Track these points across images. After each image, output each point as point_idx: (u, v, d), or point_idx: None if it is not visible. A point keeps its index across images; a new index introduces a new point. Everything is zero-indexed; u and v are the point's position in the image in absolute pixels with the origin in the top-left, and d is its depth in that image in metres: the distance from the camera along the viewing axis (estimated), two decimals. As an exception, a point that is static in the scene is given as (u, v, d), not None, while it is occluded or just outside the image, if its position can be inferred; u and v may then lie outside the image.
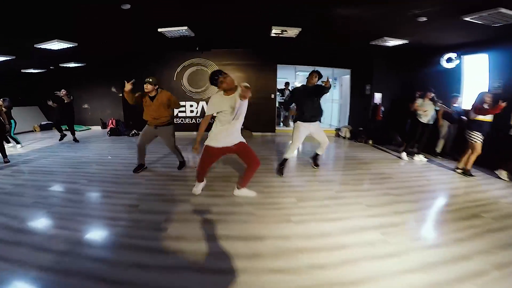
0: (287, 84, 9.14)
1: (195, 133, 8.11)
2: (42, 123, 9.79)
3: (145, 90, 3.82)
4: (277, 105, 8.53)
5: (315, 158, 4.58)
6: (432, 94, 5.17)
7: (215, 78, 2.62)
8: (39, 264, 1.91)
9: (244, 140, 2.90)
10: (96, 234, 2.45)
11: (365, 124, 7.53)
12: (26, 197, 3.27)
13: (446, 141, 5.67)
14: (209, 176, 3.87)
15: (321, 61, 7.99)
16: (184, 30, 5.15)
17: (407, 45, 5.97)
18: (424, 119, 5.20)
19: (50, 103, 6.74)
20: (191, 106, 8.24)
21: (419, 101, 5.22)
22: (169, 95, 4.02)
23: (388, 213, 2.87)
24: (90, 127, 9.91)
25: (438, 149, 5.69)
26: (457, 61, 5.91)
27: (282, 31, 5.36)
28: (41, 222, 2.63)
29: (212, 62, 7.97)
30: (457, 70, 5.99)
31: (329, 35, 5.80)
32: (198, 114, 8.24)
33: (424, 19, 4.20)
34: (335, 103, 9.47)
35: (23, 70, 9.10)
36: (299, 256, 2.06)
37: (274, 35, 5.58)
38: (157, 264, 1.94)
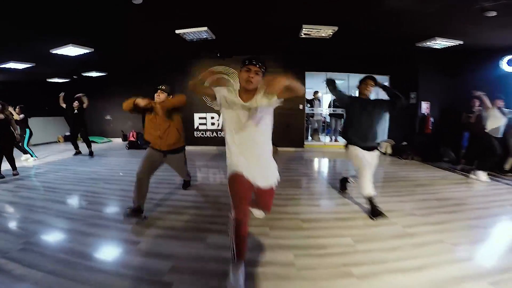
0: (316, 93, 8.32)
1: (215, 147, 7.59)
2: (66, 133, 9.76)
3: (156, 100, 2.91)
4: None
5: (343, 182, 3.51)
6: (502, 102, 4.29)
7: (260, 64, 1.72)
8: None
9: (276, 182, 1.86)
10: (70, 281, 1.76)
11: (410, 138, 6.53)
12: (9, 219, 2.83)
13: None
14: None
15: (355, 67, 7.19)
16: (204, 32, 4.70)
17: (459, 46, 5.18)
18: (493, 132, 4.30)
19: (61, 98, 6.48)
20: (212, 118, 7.71)
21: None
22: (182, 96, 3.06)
23: (486, 254, 2.05)
24: (111, 139, 9.73)
25: (508, 165, 4.70)
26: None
27: (315, 30, 4.71)
28: (10, 255, 2.03)
29: (234, 70, 7.44)
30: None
31: (370, 35, 5.07)
32: (220, 127, 7.67)
33: (494, 13, 3.49)
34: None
35: (48, 80, 9.19)
36: None
37: (304, 36, 4.95)
38: None
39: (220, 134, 7.65)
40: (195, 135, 7.67)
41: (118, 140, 9.57)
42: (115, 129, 9.67)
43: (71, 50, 5.33)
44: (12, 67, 6.51)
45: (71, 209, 3.13)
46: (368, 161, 2.82)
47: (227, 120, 1.78)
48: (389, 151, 6.77)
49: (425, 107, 6.54)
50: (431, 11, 3.65)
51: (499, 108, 4.29)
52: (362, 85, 2.88)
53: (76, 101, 6.49)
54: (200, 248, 2.17)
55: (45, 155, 6.90)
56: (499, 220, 2.76)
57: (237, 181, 1.70)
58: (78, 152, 6.82)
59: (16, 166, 4.78)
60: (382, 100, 2.86)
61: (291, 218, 2.80)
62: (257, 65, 1.69)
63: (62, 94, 6.49)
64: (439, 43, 5.08)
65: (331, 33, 4.78)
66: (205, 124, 7.69)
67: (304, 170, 5.23)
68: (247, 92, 1.74)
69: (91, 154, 6.66)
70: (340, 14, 4.01)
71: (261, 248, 2.17)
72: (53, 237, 2.43)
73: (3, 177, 4.55)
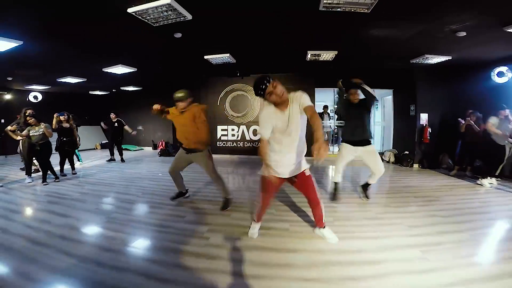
0: (325, 107, 9.19)
1: (235, 156, 8.52)
2: (103, 142, 11.06)
3: (178, 108, 3.38)
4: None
5: (365, 188, 3.97)
6: (507, 111, 4.71)
7: (261, 87, 2.07)
8: (99, 260, 2.23)
9: (307, 167, 2.44)
10: (148, 238, 2.73)
11: (411, 147, 7.21)
12: (89, 203, 3.79)
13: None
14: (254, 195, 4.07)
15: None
16: (226, 57, 5.67)
17: (451, 61, 5.78)
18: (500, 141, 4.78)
19: (102, 124, 7.85)
20: (233, 130, 8.64)
21: (493, 120, 4.77)
22: (200, 108, 3.40)
23: (431, 233, 2.77)
24: (142, 147, 10.91)
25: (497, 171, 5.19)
26: (510, 75, 5.53)
27: (318, 55, 5.59)
28: (101, 225, 3.01)
29: (251, 88, 8.37)
30: (510, 85, 5.61)
31: (367, 56, 5.87)
32: (239, 138, 8.61)
33: (464, 33, 4.09)
34: (377, 126, 9.23)
35: (91, 92, 10.51)
36: (330, 268, 2.11)
37: (310, 59, 5.83)
38: (197, 267, 2.14)
39: (239, 144, 8.60)
40: (218, 145, 8.63)
41: (149, 149, 10.74)
42: (146, 138, 10.84)
43: (119, 69, 6.35)
44: (67, 81, 7.59)
45: (131, 197, 4.11)
46: (358, 154, 3.68)
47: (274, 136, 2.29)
48: (392, 159, 7.47)
49: (423, 118, 7.19)
50: (413, 35, 4.27)
51: (505, 117, 4.69)
52: (350, 95, 3.64)
53: (113, 113, 7.67)
54: (227, 219, 3.15)
55: (89, 159, 8.13)
56: (460, 212, 3.41)
57: (267, 184, 2.41)
58: (112, 159, 7.87)
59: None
60: (364, 100, 3.65)
61: (292, 203, 3.72)
62: (268, 84, 2.10)
63: (102, 123, 7.88)
64: (430, 59, 5.66)
65: (333, 56, 5.65)
66: (226, 135, 8.68)
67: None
68: (278, 106, 2.21)
69: (122, 160, 7.74)
70: (336, 42, 4.82)
71: (267, 220, 3.06)
72: (125, 214, 3.42)
73: (65, 175, 5.67)
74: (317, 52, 5.44)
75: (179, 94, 3.33)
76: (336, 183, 3.92)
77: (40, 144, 4.87)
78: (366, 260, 2.25)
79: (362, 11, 3.29)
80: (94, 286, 1.89)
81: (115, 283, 1.93)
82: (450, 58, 5.56)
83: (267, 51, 5.48)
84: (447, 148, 6.68)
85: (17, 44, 4.22)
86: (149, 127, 10.73)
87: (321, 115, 9.01)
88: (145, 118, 10.54)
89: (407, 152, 7.18)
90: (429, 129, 6.95)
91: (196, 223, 3.07)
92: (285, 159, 2.31)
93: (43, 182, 4.89)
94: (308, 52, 5.40)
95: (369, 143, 3.67)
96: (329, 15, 3.46)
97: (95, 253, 2.35)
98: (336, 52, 5.38)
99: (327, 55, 5.59)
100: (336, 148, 8.85)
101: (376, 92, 8.41)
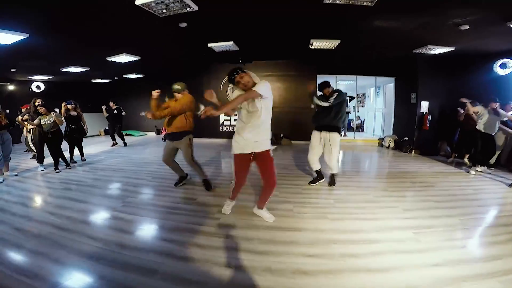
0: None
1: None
2: (106, 128, 11.20)
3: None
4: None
5: (330, 177, 4.10)
6: (497, 104, 4.78)
7: (231, 77, 2.51)
8: (121, 242, 2.43)
9: (271, 148, 2.61)
10: (163, 220, 2.93)
11: (411, 134, 7.38)
12: (103, 189, 4.00)
13: (501, 152, 5.37)
14: (257, 179, 4.22)
15: (363, 69, 8.07)
16: (230, 45, 5.73)
17: (453, 52, 5.84)
18: (483, 129, 4.92)
19: (104, 109, 8.10)
20: (235, 115, 8.67)
21: (479, 108, 4.92)
22: (189, 99, 3.63)
23: (424, 217, 2.97)
24: (146, 133, 11.11)
25: (492, 160, 5.36)
26: (512, 67, 5.61)
27: (321, 43, 5.66)
28: (119, 209, 3.20)
29: (254, 74, 8.42)
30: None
31: (369, 45, 5.92)
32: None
33: (467, 27, 4.17)
34: (378, 112, 9.37)
35: (93, 80, 10.56)
36: (332, 245, 2.34)
37: (314, 47, 5.89)
38: (211, 245, 2.36)
39: None
40: (220, 130, 8.83)
41: (152, 134, 10.96)
42: (149, 124, 11.00)
43: (123, 58, 6.41)
44: (70, 71, 7.68)
45: (141, 181, 4.33)
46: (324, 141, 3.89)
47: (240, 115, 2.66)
48: (392, 145, 7.66)
49: (424, 106, 7.31)
50: (416, 27, 4.34)
51: (494, 109, 4.75)
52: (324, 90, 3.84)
53: (112, 101, 8.01)
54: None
55: (95, 145, 8.33)
56: (453, 198, 3.60)
57: (239, 161, 2.66)
58: (115, 144, 8.28)
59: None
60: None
61: (295, 186, 4.01)
62: (236, 75, 2.50)
63: (104, 108, 8.07)
64: (433, 50, 5.73)
65: (336, 44, 5.71)
66: (229, 120, 8.83)
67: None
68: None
69: (125, 144, 8.18)
70: (339, 31, 4.85)
71: (272, 201, 3.23)
72: (139, 198, 3.63)
73: (75, 162, 5.87)
74: (320, 41, 5.51)
75: (177, 87, 3.63)
76: (316, 171, 4.14)
77: (52, 132, 5.03)
78: (364, 239, 2.47)
79: (365, 4, 3.38)
80: (122, 267, 2.07)
81: (139, 263, 2.12)
82: (453, 49, 5.63)
83: (270, 39, 5.54)
84: (446, 136, 6.85)
85: (24, 37, 4.29)
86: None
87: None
88: (148, 104, 10.50)
89: (406, 138, 7.35)
90: (429, 117, 7.09)
91: (206, 205, 3.30)
92: (249, 135, 2.52)
93: (55, 169, 5.08)
94: (311, 40, 5.46)
95: (334, 130, 3.79)
96: (333, 7, 3.54)
97: (117, 236, 2.54)
98: (339, 41, 5.44)
99: (330, 44, 5.65)
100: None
101: (378, 80, 8.60)
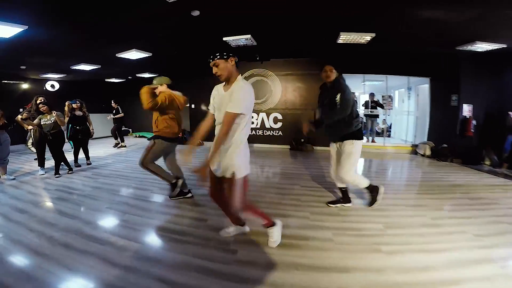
0: (372, 95, 8.08)
1: (255, 145, 8.08)
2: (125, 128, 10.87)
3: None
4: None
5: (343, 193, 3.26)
6: None
7: (208, 59, 1.94)
8: (104, 278, 1.87)
9: (237, 172, 1.89)
10: (165, 250, 2.32)
11: (451, 140, 6.49)
12: (101, 201, 3.46)
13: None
14: (278, 194, 3.66)
15: (394, 68, 7.24)
16: (247, 39, 5.17)
17: (504, 49, 5.07)
18: None
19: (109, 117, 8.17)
20: (252, 117, 8.11)
21: None
22: (165, 93, 3.22)
23: (504, 244, 2.30)
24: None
25: None
26: None
27: (352, 37, 4.96)
28: (112, 231, 2.64)
29: (272, 72, 7.84)
30: None
31: (407, 40, 5.20)
32: (258, 126, 8.14)
33: None
34: (410, 116, 8.46)
35: (107, 80, 10.27)
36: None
37: (342, 42, 5.20)
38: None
39: (258, 132, 8.13)
40: (264, 134, 8.16)
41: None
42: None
43: (134, 54, 6.00)
44: (81, 69, 7.38)
45: (146, 193, 3.75)
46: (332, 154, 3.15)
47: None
48: (428, 152, 6.78)
49: (467, 109, 6.44)
50: (468, 19, 3.71)
51: None
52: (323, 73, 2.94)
53: (113, 101, 8.01)
54: (251, 224, 2.61)
55: (105, 147, 7.93)
56: None
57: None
58: (117, 144, 8.24)
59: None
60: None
61: (329, 209, 3.20)
62: (211, 60, 1.89)
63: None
64: (480, 46, 5.00)
65: (369, 39, 5.00)
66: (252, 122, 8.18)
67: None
68: (226, 85, 1.97)
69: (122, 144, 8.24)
70: (376, 22, 4.20)
71: (304, 227, 2.66)
72: (139, 215, 3.01)
73: (79, 165, 5.43)
74: (350, 34, 4.82)
75: (153, 81, 3.34)
76: (341, 189, 3.26)
77: (52, 134, 4.59)
78: (438, 280, 1.83)
79: None
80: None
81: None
82: (505, 46, 4.89)
83: (293, 31, 4.90)
84: (492, 143, 5.93)
85: (22, 29, 3.90)
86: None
87: (368, 104, 8.07)
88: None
89: (445, 145, 6.48)
90: (474, 121, 6.22)
91: (219, 229, 2.59)
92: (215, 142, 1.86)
93: (55, 174, 4.64)
94: (341, 33, 4.78)
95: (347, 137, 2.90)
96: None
97: (101, 269, 1.97)
98: (373, 35, 4.77)
99: (362, 38, 4.96)
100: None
101: (410, 80, 7.74)
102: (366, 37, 4.93)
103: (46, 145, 4.81)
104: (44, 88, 9.24)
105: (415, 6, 3.45)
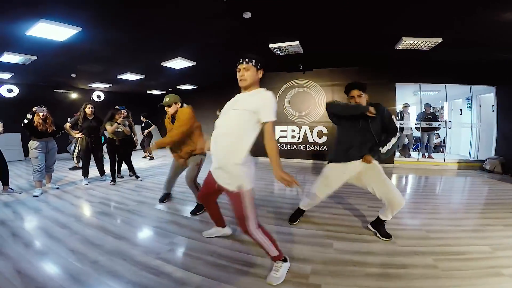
0: (405, 106, 7.48)
1: (296, 160, 7.61)
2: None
3: (168, 114, 3.25)
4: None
5: (377, 224, 2.63)
6: None
7: (239, 60, 1.86)
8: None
9: (243, 189, 1.76)
10: (224, 283, 1.89)
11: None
12: (146, 217, 3.21)
13: None
14: (347, 215, 3.18)
15: (453, 77, 6.52)
16: (295, 46, 4.90)
17: None
18: None
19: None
20: (293, 131, 7.72)
21: None
22: (187, 115, 3.08)
23: None
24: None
25: None
26: None
27: (415, 43, 4.47)
28: (165, 257, 2.23)
29: (315, 83, 7.40)
30: None
31: (476, 46, 4.68)
32: (300, 140, 7.66)
33: None
34: (466, 128, 7.53)
35: (148, 91, 10.47)
36: None
37: (402, 48, 4.71)
38: None
39: (300, 147, 7.68)
40: (307, 148, 7.67)
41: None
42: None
43: (178, 63, 5.94)
44: (126, 78, 7.53)
45: (192, 208, 3.41)
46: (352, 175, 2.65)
47: None
48: (499, 169, 5.94)
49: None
50: None
51: None
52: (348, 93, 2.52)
53: (142, 116, 8.39)
54: (324, 252, 2.17)
55: (146, 159, 7.95)
56: None
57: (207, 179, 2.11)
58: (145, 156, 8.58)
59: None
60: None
61: (415, 229, 2.80)
62: (244, 63, 1.81)
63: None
64: None
65: (432, 45, 4.49)
66: (286, 136, 7.81)
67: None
68: (245, 91, 1.87)
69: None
70: (445, 27, 3.77)
71: (394, 254, 2.27)
72: (189, 238, 2.64)
73: (122, 177, 5.35)
74: (414, 40, 4.37)
75: (166, 99, 3.17)
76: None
77: (122, 140, 4.91)
78: None
79: None
80: None
81: None
82: None
83: (345, 38, 4.58)
84: None
85: (76, 31, 3.89)
86: (206, 127, 10.32)
87: (400, 114, 7.50)
88: (200, 118, 10.04)
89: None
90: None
91: (293, 259, 2.14)
92: (215, 153, 1.86)
93: (113, 180, 4.89)
94: (403, 39, 4.33)
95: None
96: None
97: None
98: (440, 40, 4.30)
99: (425, 43, 4.48)
100: (416, 154, 7.43)
101: (473, 89, 6.94)
102: (429, 43, 4.43)
103: (91, 155, 4.82)
104: (91, 98, 9.64)
105: (497, 9, 3.09)
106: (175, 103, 3.19)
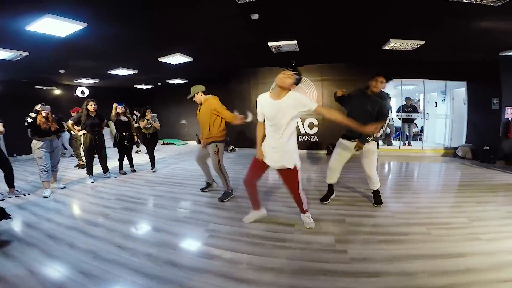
0: (408, 99, 8.00)
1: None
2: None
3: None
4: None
5: (375, 196, 3.39)
6: None
7: (289, 68, 2.36)
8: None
9: (294, 166, 2.42)
10: (277, 258, 2.21)
11: (492, 143, 6.39)
12: (171, 210, 3.38)
13: None
14: (349, 197, 3.66)
15: (429, 73, 7.17)
16: (292, 45, 5.16)
17: None
18: None
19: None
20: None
21: None
22: (215, 103, 3.53)
23: None
24: (186, 142, 10.54)
25: None
26: None
27: (400, 45, 4.94)
28: (208, 242, 2.50)
29: (306, 78, 7.76)
30: None
31: (453, 47, 5.23)
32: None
33: None
34: (440, 119, 8.33)
35: (135, 86, 10.17)
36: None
37: (388, 49, 5.16)
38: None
39: (314, 138, 7.99)
40: (299, 139, 7.90)
41: (193, 143, 10.21)
42: (190, 132, 10.44)
43: (176, 59, 5.85)
44: (117, 74, 7.22)
45: (212, 200, 3.66)
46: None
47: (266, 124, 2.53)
48: (469, 155, 6.70)
49: (509, 112, 6.32)
50: None
51: None
52: (372, 81, 3.10)
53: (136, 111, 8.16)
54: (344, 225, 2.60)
55: (141, 154, 7.97)
56: None
57: (256, 164, 2.64)
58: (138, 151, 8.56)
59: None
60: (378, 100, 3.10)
61: (407, 206, 3.37)
62: (292, 71, 2.29)
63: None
64: None
65: (416, 46, 4.98)
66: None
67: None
68: (274, 94, 2.38)
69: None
70: (430, 30, 4.24)
71: (394, 225, 2.82)
72: (221, 225, 2.89)
73: (125, 173, 5.39)
74: (400, 42, 4.84)
75: (193, 89, 3.69)
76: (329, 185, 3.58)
77: (151, 134, 5.58)
78: None
79: (490, 4, 2.93)
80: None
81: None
82: None
83: (339, 39, 4.95)
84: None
85: (82, 27, 3.70)
86: (192, 120, 10.33)
87: (402, 108, 7.95)
88: (189, 112, 10.07)
89: (487, 148, 6.37)
90: (517, 123, 6.10)
91: (317, 233, 2.65)
92: (269, 147, 2.44)
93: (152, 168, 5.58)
94: (391, 41, 4.77)
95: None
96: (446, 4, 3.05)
97: (221, 286, 1.89)
98: (422, 42, 4.81)
99: (410, 45, 4.97)
100: (397, 143, 8.10)
101: (448, 84, 7.64)
102: (413, 45, 4.92)
103: (95, 153, 4.85)
104: (75, 94, 9.21)
105: (478, 18, 3.53)
106: (197, 93, 3.65)
